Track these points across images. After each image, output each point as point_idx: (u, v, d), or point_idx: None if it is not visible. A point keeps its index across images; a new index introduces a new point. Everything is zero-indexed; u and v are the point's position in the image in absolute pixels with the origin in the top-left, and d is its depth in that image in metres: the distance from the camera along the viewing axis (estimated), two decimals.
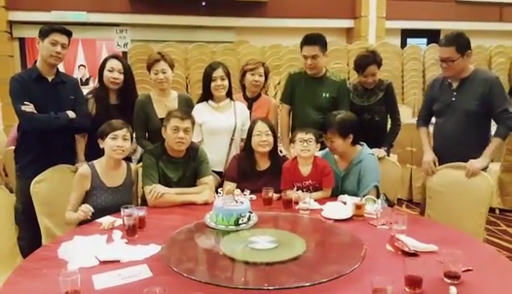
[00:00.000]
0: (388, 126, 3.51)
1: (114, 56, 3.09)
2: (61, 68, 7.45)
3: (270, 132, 2.77)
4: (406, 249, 1.82)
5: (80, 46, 9.99)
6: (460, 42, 2.72)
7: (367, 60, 3.32)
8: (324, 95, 3.15)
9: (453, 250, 1.64)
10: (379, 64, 3.36)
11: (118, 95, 3.04)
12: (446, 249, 1.69)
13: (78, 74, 9.36)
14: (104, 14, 7.57)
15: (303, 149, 2.66)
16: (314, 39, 3.09)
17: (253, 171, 2.80)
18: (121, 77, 2.98)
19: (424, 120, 3.16)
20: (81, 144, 2.96)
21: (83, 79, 9.25)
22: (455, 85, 2.85)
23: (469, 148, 2.76)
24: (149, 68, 3.02)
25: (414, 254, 1.80)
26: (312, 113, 3.16)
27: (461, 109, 2.80)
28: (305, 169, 2.70)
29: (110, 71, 2.96)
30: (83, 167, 2.50)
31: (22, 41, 7.67)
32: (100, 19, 7.60)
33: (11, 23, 7.31)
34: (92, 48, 10.15)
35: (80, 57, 10.09)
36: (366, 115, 3.29)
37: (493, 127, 2.90)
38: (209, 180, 2.72)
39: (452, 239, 2.03)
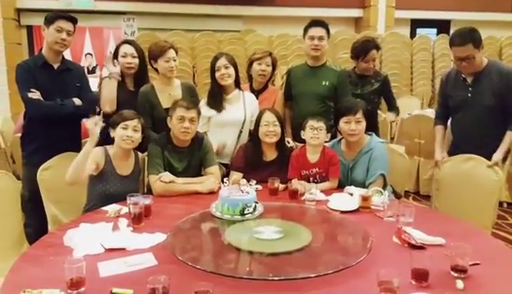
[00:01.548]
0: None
1: (127, 41, 3.08)
2: (68, 56, 7.47)
3: (277, 123, 2.75)
4: (413, 242, 1.80)
5: (87, 35, 9.96)
6: (475, 38, 2.66)
7: (369, 45, 3.37)
8: (324, 83, 3.14)
9: (460, 243, 1.62)
10: (379, 49, 3.44)
11: (134, 81, 3.03)
12: (453, 242, 1.67)
13: (85, 63, 9.33)
14: (111, 2, 7.56)
15: (313, 137, 2.66)
16: (321, 22, 3.13)
17: (259, 162, 2.78)
18: (135, 61, 2.97)
19: (440, 118, 3.08)
20: None
21: (90, 68, 9.23)
22: (469, 80, 2.79)
23: (489, 142, 2.73)
24: (157, 56, 2.93)
25: (421, 247, 1.79)
26: (311, 102, 3.14)
27: (478, 105, 2.75)
28: (313, 157, 2.69)
29: (123, 57, 2.96)
30: (98, 147, 2.47)
31: (30, 28, 7.67)
32: (107, 7, 7.58)
33: (19, 10, 7.31)
34: (99, 37, 10.08)
35: (87, 45, 10.04)
36: None
37: None
38: (215, 169, 2.71)
39: (460, 232, 2.01)
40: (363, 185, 2.61)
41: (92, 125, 2.34)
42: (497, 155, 2.70)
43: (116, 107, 2.87)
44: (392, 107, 3.69)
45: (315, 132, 2.66)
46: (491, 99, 2.71)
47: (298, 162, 2.68)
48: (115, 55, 3.01)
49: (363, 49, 3.35)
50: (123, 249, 1.75)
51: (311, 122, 2.69)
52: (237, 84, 3.04)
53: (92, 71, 9.06)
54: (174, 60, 2.94)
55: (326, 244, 1.88)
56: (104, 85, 2.95)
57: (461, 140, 2.90)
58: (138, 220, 2.02)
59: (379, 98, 3.54)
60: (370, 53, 3.35)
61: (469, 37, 2.66)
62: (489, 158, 2.67)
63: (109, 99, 2.88)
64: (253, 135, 2.83)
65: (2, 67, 6.87)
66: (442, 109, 3.07)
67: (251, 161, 2.78)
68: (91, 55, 9.82)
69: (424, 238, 1.85)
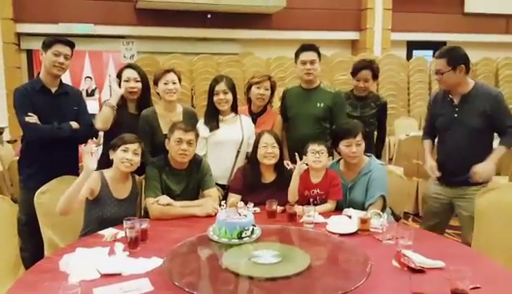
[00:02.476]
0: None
1: (130, 66, 3.08)
2: (68, 79, 7.50)
3: (276, 144, 2.75)
4: (413, 265, 1.79)
5: (87, 58, 10.06)
6: (452, 55, 2.71)
7: (361, 65, 3.45)
8: (318, 104, 3.15)
9: (460, 267, 1.60)
10: (375, 74, 3.44)
11: (136, 104, 3.03)
12: (453, 265, 1.65)
13: (84, 86, 9.41)
14: (110, 26, 7.65)
15: (315, 161, 2.67)
16: (312, 46, 3.17)
17: (258, 184, 2.78)
18: (138, 85, 2.97)
19: (428, 134, 3.11)
20: None
21: (89, 90, 9.29)
22: (456, 100, 2.81)
23: (473, 163, 2.72)
24: (157, 80, 2.94)
25: (420, 270, 1.77)
26: (306, 124, 3.14)
27: (464, 125, 2.77)
28: (315, 178, 2.71)
29: (126, 81, 2.96)
30: (94, 172, 2.42)
31: (29, 52, 7.75)
32: (106, 31, 7.67)
33: (19, 35, 7.39)
34: (98, 60, 10.19)
35: (87, 69, 10.14)
36: None
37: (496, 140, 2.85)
38: (213, 192, 2.70)
39: (459, 255, 2.00)
40: (361, 206, 2.61)
41: (87, 157, 2.27)
42: (484, 165, 2.70)
43: (117, 129, 2.85)
44: (380, 136, 3.61)
45: (317, 156, 2.67)
46: (477, 120, 2.73)
47: (301, 182, 2.67)
48: (119, 78, 3.00)
49: (355, 67, 3.44)
50: (119, 274, 1.73)
51: (312, 147, 2.70)
52: (234, 108, 3.03)
53: (91, 94, 9.12)
54: (174, 83, 2.91)
55: (325, 268, 1.86)
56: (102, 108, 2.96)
57: (446, 159, 2.89)
58: (134, 244, 2.00)
59: (377, 121, 3.55)
60: (361, 72, 3.39)
61: (445, 52, 2.74)
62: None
63: (102, 117, 2.85)
64: (252, 156, 2.83)
65: (1, 90, 6.93)
66: (429, 128, 3.10)
67: (249, 183, 2.77)
68: (90, 78, 9.89)
69: (424, 261, 1.84)
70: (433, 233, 2.46)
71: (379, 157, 3.43)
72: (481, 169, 2.70)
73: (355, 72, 3.43)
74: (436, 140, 3.04)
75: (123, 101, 2.99)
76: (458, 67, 2.70)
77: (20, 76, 7.26)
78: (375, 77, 3.47)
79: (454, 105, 2.82)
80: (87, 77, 9.95)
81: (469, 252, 2.11)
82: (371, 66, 3.45)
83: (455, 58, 2.71)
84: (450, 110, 2.84)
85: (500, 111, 2.73)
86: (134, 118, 2.95)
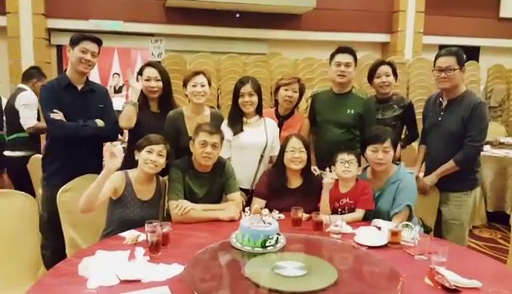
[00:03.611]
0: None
1: (150, 64, 3.02)
2: (96, 75, 7.59)
3: (304, 149, 2.67)
4: (447, 284, 1.68)
5: (116, 55, 10.18)
6: (460, 55, 2.81)
7: (377, 62, 3.36)
8: (349, 111, 3.03)
9: (499, 288, 1.49)
10: (394, 70, 3.31)
11: (158, 103, 2.99)
12: (491, 286, 1.55)
13: (112, 82, 9.52)
14: (139, 24, 7.70)
15: (345, 171, 2.59)
16: (349, 49, 3.07)
17: (283, 189, 2.70)
18: (159, 84, 2.92)
19: (424, 138, 3.15)
20: None
21: (117, 87, 9.39)
22: (444, 104, 2.91)
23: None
24: (186, 81, 2.88)
25: (455, 290, 1.66)
26: (335, 131, 3.04)
27: (445, 129, 2.87)
28: (344, 188, 2.62)
29: (147, 80, 2.91)
30: (118, 172, 2.42)
31: (60, 48, 7.87)
32: (135, 28, 7.72)
33: (50, 30, 7.51)
34: (127, 57, 10.30)
35: (115, 65, 10.27)
36: None
37: None
38: (236, 196, 2.63)
39: (496, 274, 1.88)
40: (388, 217, 2.50)
41: (107, 156, 2.23)
42: (431, 178, 2.90)
43: (139, 129, 2.82)
44: (412, 137, 3.44)
45: (346, 165, 2.59)
46: (456, 125, 2.81)
47: (330, 193, 2.58)
48: (140, 74, 2.96)
49: (373, 66, 3.31)
50: (139, 281, 1.68)
51: (341, 156, 2.62)
52: (258, 111, 2.95)
53: (119, 90, 9.21)
54: (202, 86, 2.85)
55: (353, 284, 1.75)
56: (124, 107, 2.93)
57: (430, 160, 3.00)
58: (156, 248, 1.94)
59: (401, 125, 3.35)
60: (380, 68, 3.26)
61: (454, 51, 2.83)
62: (452, 181, 2.85)
63: (126, 116, 2.83)
64: (278, 161, 2.75)
65: None
66: (423, 132, 3.16)
67: (275, 187, 2.70)
68: (118, 75, 10.01)
69: (459, 280, 1.72)
70: (467, 249, 2.34)
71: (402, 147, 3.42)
72: (427, 179, 2.91)
73: (374, 69, 3.29)
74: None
75: (144, 100, 2.95)
76: (462, 68, 2.82)
77: (50, 71, 7.35)
78: (395, 73, 3.31)
79: (441, 109, 2.92)
80: (115, 73, 10.08)
81: (508, 272, 1.98)
82: (389, 62, 3.35)
83: (462, 58, 2.81)
84: (436, 113, 2.94)
85: (473, 119, 2.77)
86: (156, 117, 2.91)
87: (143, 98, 2.95)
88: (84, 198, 2.22)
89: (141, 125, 2.83)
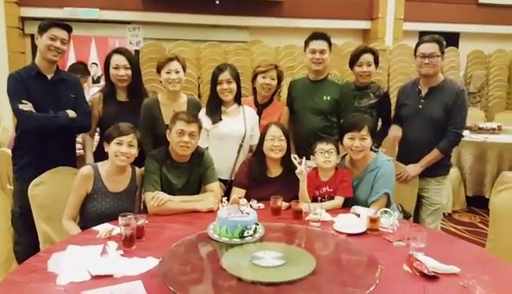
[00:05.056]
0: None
1: (118, 51, 2.91)
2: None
3: (283, 137, 2.63)
4: (426, 271, 1.67)
5: (93, 44, 9.96)
6: (442, 43, 2.85)
7: (362, 48, 3.29)
8: (325, 97, 3.00)
9: (478, 275, 1.48)
10: (376, 59, 3.26)
11: (126, 92, 2.89)
12: (468, 271, 1.56)
13: (90, 72, 9.31)
14: (116, 11, 7.51)
15: (325, 161, 2.56)
16: (322, 34, 3.02)
17: (263, 178, 2.66)
18: (128, 72, 2.83)
19: (395, 122, 3.14)
20: (89, 143, 2.87)
21: (95, 77, 9.18)
22: (424, 92, 2.92)
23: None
24: (160, 68, 2.80)
25: (434, 276, 1.65)
26: (312, 118, 3.02)
27: (427, 116, 2.87)
28: (325, 176, 2.60)
29: (115, 68, 2.82)
30: (86, 167, 2.38)
31: (34, 37, 7.63)
32: (112, 16, 7.53)
33: (23, 19, 7.27)
34: (104, 46, 10.08)
35: (93, 55, 10.05)
36: None
37: None
38: (215, 186, 2.59)
39: (475, 259, 1.89)
40: (366, 205, 2.48)
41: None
42: (416, 169, 2.89)
43: (105, 120, 2.77)
44: (385, 122, 3.29)
45: (326, 156, 2.56)
46: (439, 112, 2.83)
47: (310, 181, 2.55)
48: (106, 65, 2.87)
49: (356, 54, 3.24)
50: (111, 276, 1.62)
51: (320, 146, 2.58)
52: (237, 99, 2.89)
53: (97, 81, 9.01)
54: (177, 72, 2.78)
55: (331, 273, 1.72)
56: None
57: (408, 147, 2.99)
58: (130, 242, 1.89)
59: (377, 115, 3.26)
60: (363, 56, 3.19)
61: (436, 39, 2.86)
62: (431, 167, 2.89)
63: None
64: (258, 149, 2.71)
65: (5, 76, 6.80)
66: (396, 118, 3.15)
67: (255, 177, 2.66)
68: (96, 64, 9.80)
69: (437, 266, 1.72)
70: (446, 234, 2.34)
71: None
72: (411, 170, 2.89)
73: (357, 56, 3.22)
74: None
75: (110, 89, 2.86)
76: (443, 55, 2.86)
77: (23, 61, 7.12)
78: (377, 63, 3.26)
79: (420, 96, 2.93)
80: (93, 63, 9.87)
81: (486, 256, 1.98)
82: (372, 50, 3.27)
83: (443, 46, 2.86)
84: (415, 101, 2.94)
85: (456, 107, 2.81)
86: (123, 106, 2.84)
87: (109, 86, 2.86)
88: (66, 230, 2.30)
89: (107, 115, 2.76)
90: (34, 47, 7.96)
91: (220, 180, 2.72)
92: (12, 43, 6.99)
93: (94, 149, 2.94)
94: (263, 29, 8.16)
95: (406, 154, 2.99)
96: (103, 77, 9.66)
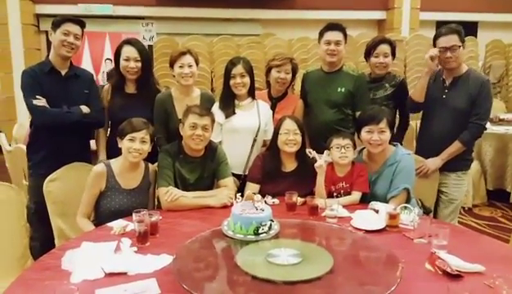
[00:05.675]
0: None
1: (129, 41, 2.85)
2: (89, 61, 7.45)
3: (298, 131, 2.56)
4: (449, 270, 1.60)
5: (107, 40, 9.99)
6: (460, 32, 2.76)
7: (379, 38, 3.20)
8: (339, 89, 2.93)
9: (505, 273, 1.42)
10: (393, 50, 3.14)
11: (135, 84, 2.85)
12: (494, 270, 1.49)
13: (105, 68, 9.35)
14: (130, 7, 7.53)
15: (341, 156, 2.49)
16: (338, 26, 2.94)
17: (278, 172, 2.61)
18: (138, 65, 2.78)
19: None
20: (102, 139, 2.85)
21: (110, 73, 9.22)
22: (448, 82, 2.84)
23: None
24: (173, 62, 2.77)
25: (457, 275, 1.59)
26: (327, 111, 2.94)
27: (451, 107, 2.79)
28: (341, 173, 2.54)
29: (125, 60, 2.78)
30: (99, 165, 2.37)
31: (48, 34, 7.67)
32: (125, 12, 7.56)
33: (38, 16, 7.33)
34: (118, 42, 10.06)
35: (107, 51, 10.08)
36: None
37: None
38: (229, 181, 2.54)
39: (500, 257, 1.80)
40: (385, 200, 2.41)
41: None
42: (436, 162, 2.81)
43: (113, 113, 2.77)
44: (403, 115, 3.20)
45: (342, 151, 2.49)
46: (464, 103, 2.76)
47: (325, 176, 2.48)
48: (116, 56, 2.84)
49: (373, 44, 3.13)
50: (125, 274, 1.60)
51: (336, 141, 2.52)
52: (251, 93, 2.84)
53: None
54: (190, 66, 2.74)
55: (350, 272, 1.67)
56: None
57: (427, 141, 2.93)
58: (143, 238, 1.86)
59: (395, 105, 3.14)
60: (380, 46, 3.08)
61: (455, 29, 2.76)
62: (451, 161, 2.80)
63: None
64: (272, 143, 2.65)
65: (21, 72, 6.86)
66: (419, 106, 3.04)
67: (269, 171, 2.61)
68: (110, 60, 9.84)
69: (461, 265, 1.65)
70: (469, 230, 2.26)
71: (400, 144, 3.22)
72: (430, 164, 2.80)
73: (373, 46, 3.11)
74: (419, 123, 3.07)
75: (119, 80, 2.83)
76: (464, 44, 2.77)
77: (39, 58, 7.18)
78: (394, 54, 3.15)
79: (445, 86, 2.84)
80: (108, 59, 9.90)
81: (510, 254, 1.90)
82: (389, 40, 3.16)
83: (462, 35, 2.76)
84: (439, 91, 2.85)
85: (481, 97, 2.73)
86: (132, 99, 2.81)
87: (119, 77, 2.83)
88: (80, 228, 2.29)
89: (114, 107, 2.75)
90: (49, 44, 8.02)
91: (233, 174, 2.68)
92: (28, 40, 7.06)
93: None
94: (276, 22, 8.09)
95: (426, 148, 2.90)
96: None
